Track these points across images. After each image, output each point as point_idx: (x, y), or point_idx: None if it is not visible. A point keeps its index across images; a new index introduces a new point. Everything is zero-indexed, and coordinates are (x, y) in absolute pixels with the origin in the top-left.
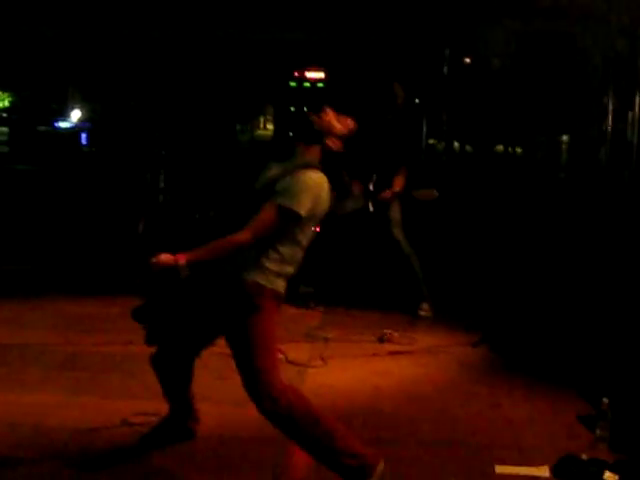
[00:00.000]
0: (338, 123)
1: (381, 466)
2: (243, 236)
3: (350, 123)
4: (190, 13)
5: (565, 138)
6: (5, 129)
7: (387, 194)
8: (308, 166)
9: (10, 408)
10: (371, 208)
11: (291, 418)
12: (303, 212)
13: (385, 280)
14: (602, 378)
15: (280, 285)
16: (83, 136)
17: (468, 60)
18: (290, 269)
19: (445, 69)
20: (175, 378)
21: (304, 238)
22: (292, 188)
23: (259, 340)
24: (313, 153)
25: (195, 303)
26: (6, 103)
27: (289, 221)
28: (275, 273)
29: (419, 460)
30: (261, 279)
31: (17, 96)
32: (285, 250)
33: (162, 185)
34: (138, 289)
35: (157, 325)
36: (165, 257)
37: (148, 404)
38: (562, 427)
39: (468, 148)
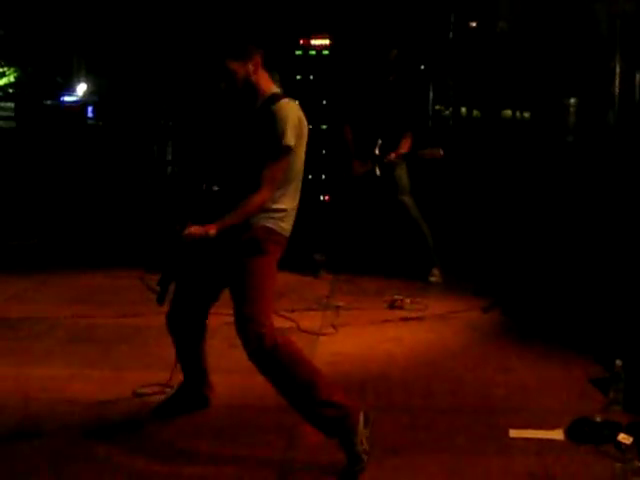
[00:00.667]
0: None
1: (361, 418)
2: (263, 195)
3: None
4: None
5: (573, 101)
6: (11, 104)
7: (392, 156)
8: (275, 98)
9: (22, 382)
10: (378, 172)
11: (275, 360)
12: (292, 143)
13: (394, 246)
14: (615, 340)
15: (287, 228)
16: (89, 109)
17: (474, 24)
18: (293, 205)
19: (450, 34)
20: (189, 339)
21: (299, 167)
22: (276, 128)
23: (260, 282)
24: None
25: (204, 254)
26: (11, 79)
27: (286, 156)
28: (281, 214)
29: (432, 426)
30: (269, 223)
31: (22, 71)
32: (286, 187)
33: (170, 157)
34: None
35: (168, 282)
36: (195, 229)
37: (160, 375)
38: (575, 390)
39: (475, 113)
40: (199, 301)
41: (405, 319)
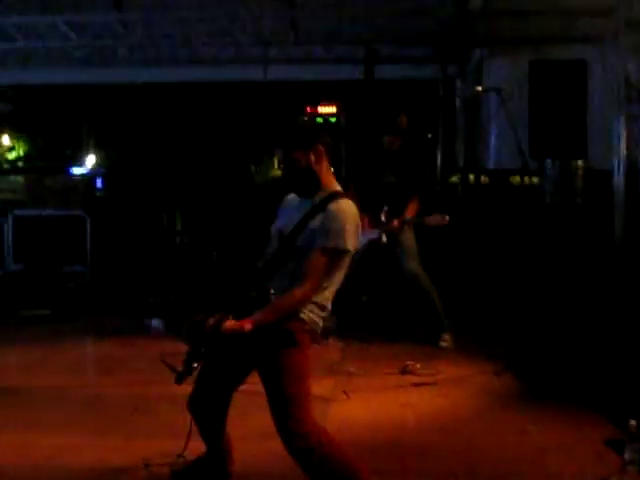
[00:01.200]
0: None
1: None
2: (304, 291)
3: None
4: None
5: (580, 163)
6: (20, 179)
7: (395, 223)
8: (337, 196)
9: (31, 450)
10: (384, 239)
11: (321, 458)
12: (351, 247)
13: (404, 311)
14: (629, 400)
15: (319, 323)
16: (98, 181)
17: (480, 89)
18: (329, 304)
19: (457, 101)
20: (211, 419)
21: (343, 271)
22: (334, 228)
23: (295, 375)
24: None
25: (233, 341)
26: (20, 152)
27: (340, 260)
28: (318, 309)
29: None
30: (303, 315)
31: (32, 144)
32: (333, 286)
33: (179, 227)
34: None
35: (193, 364)
36: (230, 324)
37: (171, 444)
38: (591, 452)
39: (484, 179)
40: (225, 385)
41: (417, 384)
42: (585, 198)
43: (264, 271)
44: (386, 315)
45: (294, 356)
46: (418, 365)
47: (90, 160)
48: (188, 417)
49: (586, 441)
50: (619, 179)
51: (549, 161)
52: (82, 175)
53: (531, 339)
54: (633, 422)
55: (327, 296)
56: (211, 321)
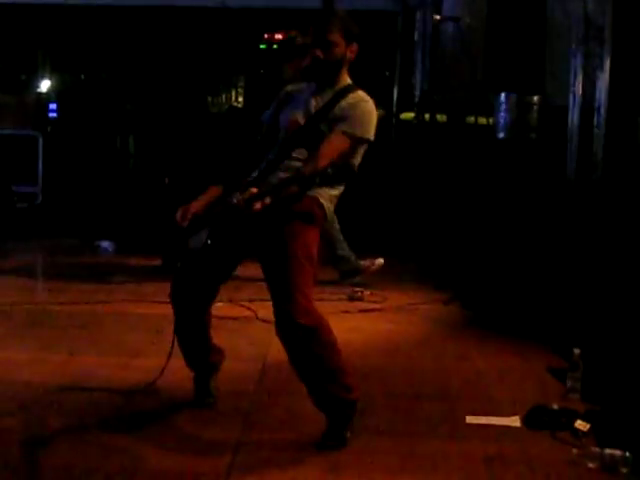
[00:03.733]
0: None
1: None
2: (321, 164)
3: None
4: None
5: (536, 98)
6: None
7: None
8: (355, 88)
9: None
10: None
11: (317, 338)
12: (373, 138)
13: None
14: (572, 330)
15: (331, 208)
16: (53, 104)
17: (438, 17)
18: (339, 192)
19: (416, 34)
20: (196, 320)
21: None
22: (358, 115)
23: (311, 252)
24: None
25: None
26: None
27: (358, 149)
28: (333, 196)
29: (388, 411)
30: (323, 200)
31: None
32: (340, 175)
33: (132, 151)
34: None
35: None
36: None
37: (116, 360)
38: (533, 379)
39: (440, 118)
40: (216, 275)
41: (365, 310)
42: (540, 134)
43: (276, 161)
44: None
45: (308, 233)
46: (367, 292)
47: (45, 84)
48: (143, 336)
49: (529, 369)
50: (574, 115)
51: (505, 95)
52: (35, 95)
53: (479, 272)
54: (577, 350)
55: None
56: (235, 201)
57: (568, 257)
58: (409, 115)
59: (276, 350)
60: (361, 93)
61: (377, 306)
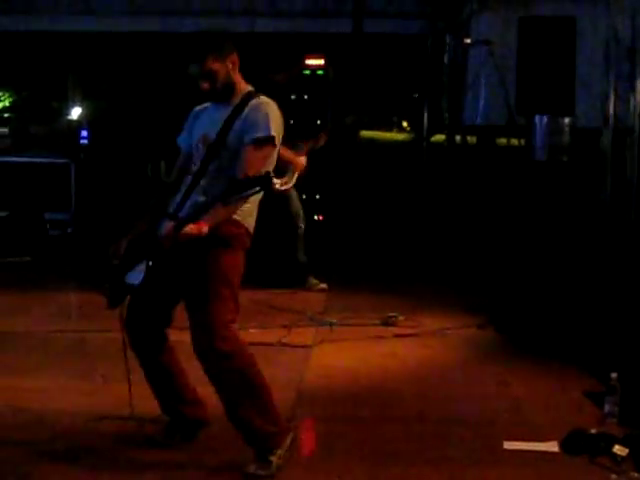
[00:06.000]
0: None
1: (289, 440)
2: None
3: None
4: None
5: (567, 120)
6: (5, 128)
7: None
8: (254, 94)
9: (13, 393)
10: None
11: (232, 363)
12: (276, 135)
13: (389, 264)
14: (610, 354)
15: (252, 223)
16: (84, 131)
17: (469, 41)
18: (257, 201)
19: (445, 57)
20: (154, 346)
21: (272, 166)
22: (259, 118)
23: (228, 277)
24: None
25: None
26: (6, 103)
27: (271, 150)
28: (248, 209)
29: (427, 437)
30: (239, 216)
31: (17, 96)
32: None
33: (163, 177)
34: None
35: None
36: (192, 228)
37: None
38: (570, 404)
39: (470, 139)
40: (162, 307)
41: (399, 335)
42: (571, 156)
43: (195, 180)
44: (371, 267)
45: (225, 257)
46: (401, 317)
47: (76, 111)
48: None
49: (566, 393)
50: (607, 137)
51: (539, 117)
52: (67, 123)
53: (514, 294)
54: (614, 375)
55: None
56: (164, 231)
57: (605, 280)
58: (440, 137)
59: (313, 375)
60: (261, 98)
61: (412, 331)
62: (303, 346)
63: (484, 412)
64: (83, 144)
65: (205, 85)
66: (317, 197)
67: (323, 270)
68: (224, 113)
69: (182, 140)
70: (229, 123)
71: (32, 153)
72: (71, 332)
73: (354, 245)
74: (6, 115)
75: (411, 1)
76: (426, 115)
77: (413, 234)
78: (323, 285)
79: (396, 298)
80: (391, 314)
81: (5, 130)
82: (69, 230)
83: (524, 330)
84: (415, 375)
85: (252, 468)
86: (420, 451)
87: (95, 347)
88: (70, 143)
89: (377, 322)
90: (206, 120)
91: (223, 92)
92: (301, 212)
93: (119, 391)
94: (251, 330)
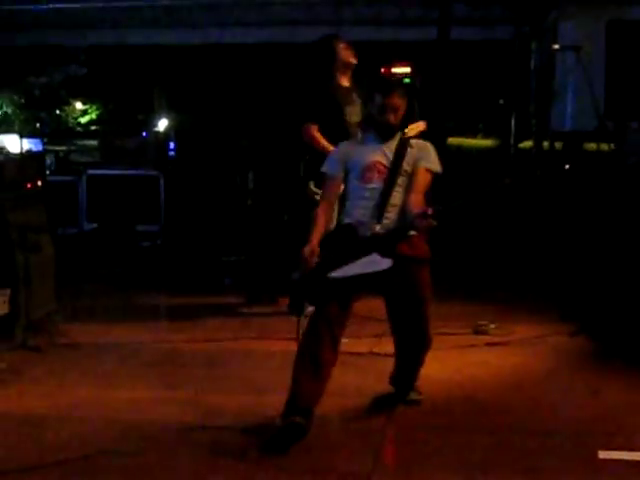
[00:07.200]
0: None
1: None
2: (421, 197)
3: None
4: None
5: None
6: (94, 141)
7: None
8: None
9: (106, 404)
10: None
11: None
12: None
13: (477, 271)
14: None
15: None
16: (171, 143)
17: (557, 47)
18: None
19: (532, 63)
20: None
21: None
22: (432, 155)
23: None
24: None
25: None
26: (93, 116)
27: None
28: None
29: (521, 447)
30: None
31: (104, 108)
32: None
33: (251, 187)
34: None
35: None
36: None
37: (246, 399)
38: None
39: (558, 145)
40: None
41: (490, 344)
42: None
43: (381, 204)
44: (459, 274)
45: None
46: (492, 325)
47: (162, 123)
48: (269, 373)
49: None
50: None
51: (634, 123)
52: (154, 136)
53: (607, 301)
54: None
55: None
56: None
57: None
58: (527, 144)
59: None
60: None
61: (503, 339)
62: (394, 355)
63: (578, 421)
64: (171, 156)
65: (392, 119)
66: None
67: None
68: (386, 147)
69: (338, 170)
70: (402, 153)
71: (121, 166)
72: (163, 342)
73: (440, 252)
74: (93, 128)
75: (496, 7)
76: (513, 121)
77: (502, 240)
78: None
79: (486, 306)
80: (482, 322)
81: (94, 143)
82: (158, 242)
83: (618, 338)
84: (508, 384)
85: (413, 395)
86: (513, 461)
87: (186, 357)
88: (158, 155)
89: (468, 331)
90: (364, 154)
91: (395, 128)
92: None
93: (212, 401)
94: (343, 340)
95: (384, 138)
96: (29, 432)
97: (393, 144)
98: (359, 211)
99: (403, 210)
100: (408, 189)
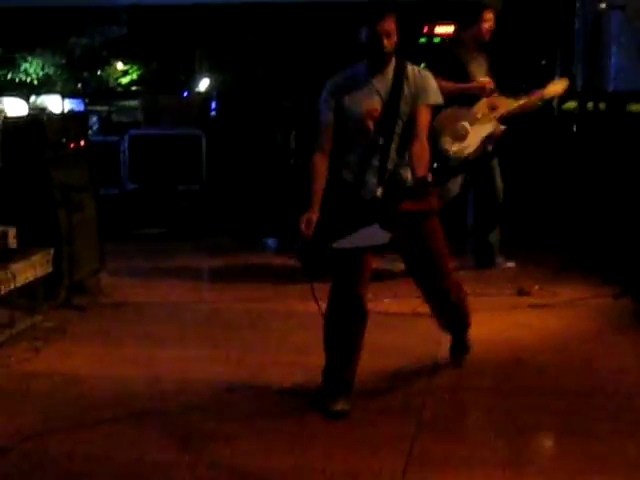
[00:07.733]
0: None
1: None
2: (425, 142)
3: None
4: None
5: None
6: (135, 101)
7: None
8: (406, 61)
9: (152, 363)
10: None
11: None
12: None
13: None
14: None
15: None
16: (213, 102)
17: (603, 6)
18: None
19: (576, 22)
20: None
21: None
22: (431, 85)
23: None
24: None
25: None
26: (134, 76)
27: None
28: None
29: (566, 409)
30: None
31: (145, 69)
32: None
33: (293, 146)
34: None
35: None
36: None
37: (286, 357)
38: None
39: (601, 106)
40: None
41: (534, 306)
42: None
43: (381, 159)
44: (503, 236)
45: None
46: (536, 287)
47: (204, 83)
48: (311, 334)
49: None
50: None
51: None
52: (196, 95)
53: None
54: None
55: None
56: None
57: None
58: (571, 105)
59: (447, 346)
60: (415, 66)
61: (547, 301)
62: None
63: (624, 383)
64: (212, 116)
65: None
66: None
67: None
68: (382, 82)
69: (329, 112)
70: (398, 88)
71: (163, 126)
72: (205, 302)
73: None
74: (134, 88)
75: None
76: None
77: (545, 203)
78: (510, 264)
79: (529, 268)
80: (525, 284)
81: (135, 103)
82: (200, 201)
83: None
84: (552, 346)
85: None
86: (560, 423)
87: (229, 316)
88: (200, 115)
89: (512, 292)
90: (360, 93)
91: (388, 59)
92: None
93: (256, 362)
94: (385, 300)
95: (377, 69)
96: (74, 391)
97: (386, 78)
98: (359, 166)
99: (405, 165)
100: (408, 135)
